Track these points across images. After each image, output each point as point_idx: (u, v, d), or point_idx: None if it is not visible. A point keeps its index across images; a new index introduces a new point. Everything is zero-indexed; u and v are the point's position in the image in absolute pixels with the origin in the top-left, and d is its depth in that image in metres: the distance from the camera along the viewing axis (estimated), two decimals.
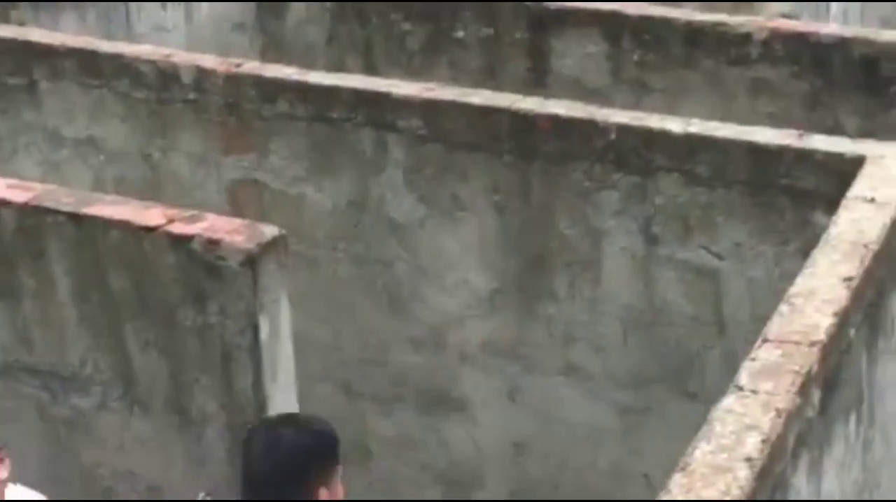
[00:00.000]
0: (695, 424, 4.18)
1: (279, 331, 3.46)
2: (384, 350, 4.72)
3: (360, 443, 4.84)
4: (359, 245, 4.64)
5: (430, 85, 4.55)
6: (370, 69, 5.73)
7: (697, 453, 2.50)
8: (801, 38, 5.02)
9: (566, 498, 4.56)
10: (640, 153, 4.11)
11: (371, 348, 4.75)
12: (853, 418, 3.18)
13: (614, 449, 4.46)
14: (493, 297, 4.49)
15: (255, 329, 3.38)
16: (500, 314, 4.50)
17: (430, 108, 4.37)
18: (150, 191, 4.76)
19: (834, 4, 6.65)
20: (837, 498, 3.08)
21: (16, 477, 3.45)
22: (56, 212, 3.56)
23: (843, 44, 4.91)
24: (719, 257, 4.08)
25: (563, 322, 4.39)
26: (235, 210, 4.66)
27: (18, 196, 3.64)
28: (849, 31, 5.24)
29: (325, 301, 4.72)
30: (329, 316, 4.74)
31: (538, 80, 5.50)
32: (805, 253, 3.49)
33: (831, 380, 2.94)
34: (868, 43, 4.93)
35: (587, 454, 4.50)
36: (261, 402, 3.46)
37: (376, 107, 4.43)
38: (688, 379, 4.25)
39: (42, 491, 3.87)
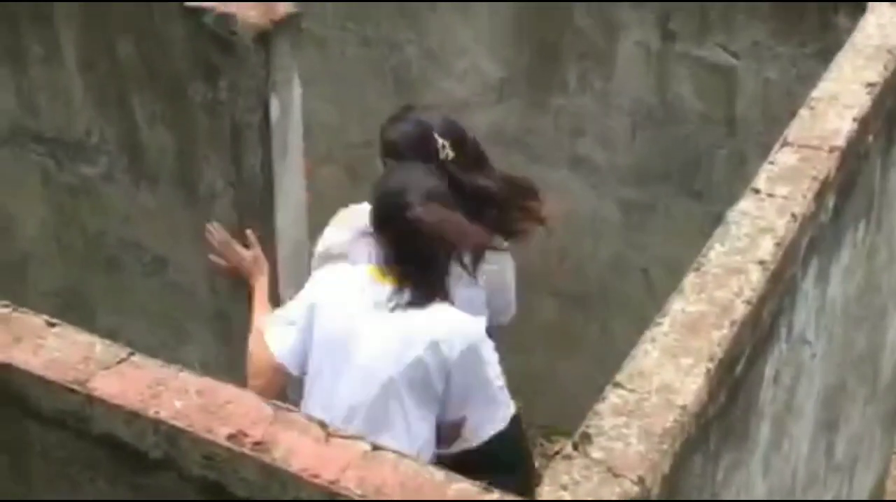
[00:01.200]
0: (698, 223, 4.22)
1: (290, 110, 3.41)
2: None
3: None
4: (368, 25, 4.55)
5: None
6: None
7: (711, 254, 2.50)
8: None
9: (565, 288, 4.61)
10: None
11: (376, 131, 4.70)
12: (862, 224, 3.19)
13: (615, 243, 4.48)
14: (502, 86, 4.43)
15: (266, 107, 3.34)
16: (507, 103, 4.45)
17: None
18: None
19: None
20: (839, 301, 3.11)
21: None
22: None
23: None
24: (735, 56, 4.01)
25: (572, 114, 4.35)
26: None
27: None
28: None
29: (332, 81, 4.66)
30: (335, 96, 4.69)
31: None
32: (824, 56, 3.44)
33: (847, 187, 2.93)
34: None
35: (588, 245, 4.52)
36: (268, 180, 3.44)
37: None
38: (694, 178, 4.24)
39: (45, 256, 3.90)
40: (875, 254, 3.39)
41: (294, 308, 3.19)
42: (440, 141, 3.38)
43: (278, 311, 3.27)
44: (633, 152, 4.32)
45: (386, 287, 3.09)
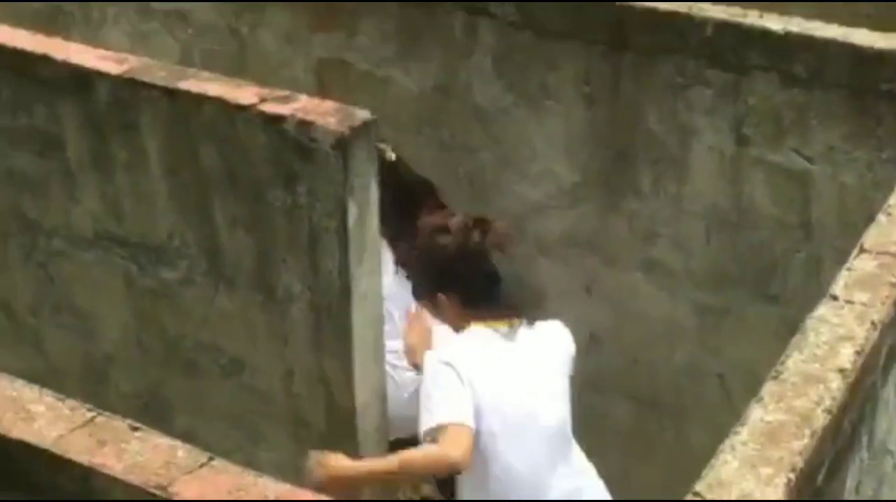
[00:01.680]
0: (774, 327, 4.20)
1: (367, 214, 3.47)
2: None
3: None
4: (443, 130, 4.62)
5: None
6: None
7: (790, 362, 2.48)
8: None
9: (639, 392, 4.59)
10: (736, 50, 4.03)
11: None
12: None
13: (690, 348, 4.46)
14: (576, 189, 4.47)
15: (344, 212, 3.39)
16: (581, 206, 4.48)
17: None
18: (236, 67, 4.76)
19: None
20: None
21: None
22: (151, 85, 3.57)
23: None
24: (810, 160, 4.02)
25: (646, 217, 4.37)
26: (321, 89, 4.64)
27: (113, 67, 3.65)
28: None
29: None
30: None
31: None
32: None
33: None
34: None
35: (662, 350, 4.51)
36: (345, 284, 3.49)
37: None
38: (769, 283, 4.22)
39: (127, 358, 3.97)
40: None
41: (449, 383, 3.43)
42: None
43: (432, 392, 3.44)
44: (708, 256, 4.31)
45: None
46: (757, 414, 2.34)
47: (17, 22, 4.91)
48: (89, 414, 2.33)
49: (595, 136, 4.36)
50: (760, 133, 4.08)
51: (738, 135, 4.12)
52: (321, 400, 3.57)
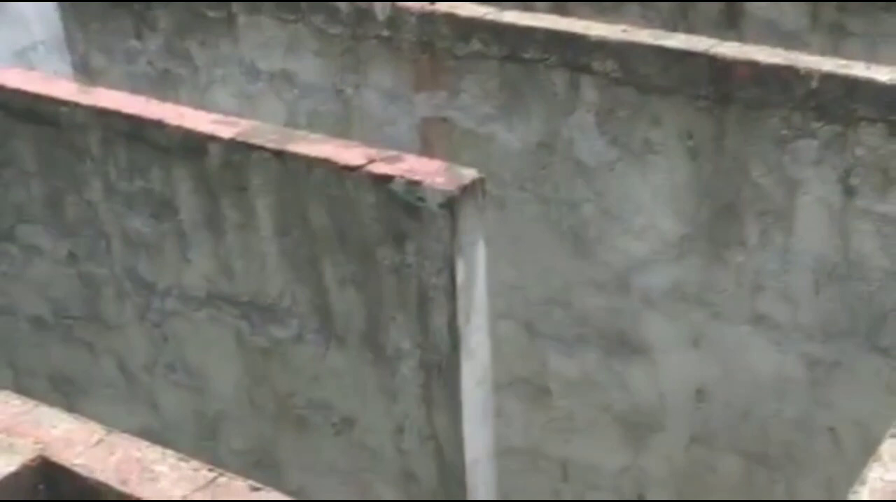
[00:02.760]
0: (885, 380, 4.14)
1: (475, 273, 3.50)
2: (568, 291, 4.74)
3: (540, 383, 4.89)
4: (547, 186, 4.65)
5: (625, 27, 4.50)
6: (559, 8, 5.69)
7: None
8: None
9: (748, 447, 4.54)
10: (842, 102, 4.01)
11: (555, 289, 4.77)
12: None
13: (800, 401, 4.41)
14: (682, 243, 4.46)
15: (452, 270, 3.43)
16: (687, 260, 4.47)
17: (624, 51, 4.33)
18: (341, 126, 4.85)
19: None
20: None
21: None
22: (261, 148, 3.65)
23: None
24: None
25: (753, 270, 4.34)
26: (425, 147, 4.71)
27: (225, 131, 3.74)
28: None
29: (511, 240, 4.75)
30: (514, 255, 4.77)
31: (731, 22, 5.40)
32: None
33: None
34: None
35: (772, 404, 4.46)
36: (454, 342, 3.52)
37: (570, 48, 4.41)
38: (880, 335, 4.17)
39: (239, 415, 4.03)
40: None
41: None
42: None
43: None
44: (817, 308, 4.27)
45: None
46: (876, 474, 2.31)
47: (129, 84, 5.07)
48: (210, 475, 2.38)
49: (700, 189, 4.35)
50: (868, 184, 4.04)
51: (845, 187, 4.09)
52: (431, 457, 3.60)
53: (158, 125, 3.80)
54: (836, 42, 5.12)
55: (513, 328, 4.85)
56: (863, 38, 5.07)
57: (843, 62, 4.13)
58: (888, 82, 3.93)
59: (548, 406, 4.89)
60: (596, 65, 4.37)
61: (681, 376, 4.61)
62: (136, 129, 3.84)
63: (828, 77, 4.03)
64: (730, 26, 5.35)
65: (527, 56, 4.50)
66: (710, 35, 4.57)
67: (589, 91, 4.42)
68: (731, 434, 4.55)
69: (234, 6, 5.02)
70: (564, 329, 4.79)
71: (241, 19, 5.03)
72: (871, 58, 4.66)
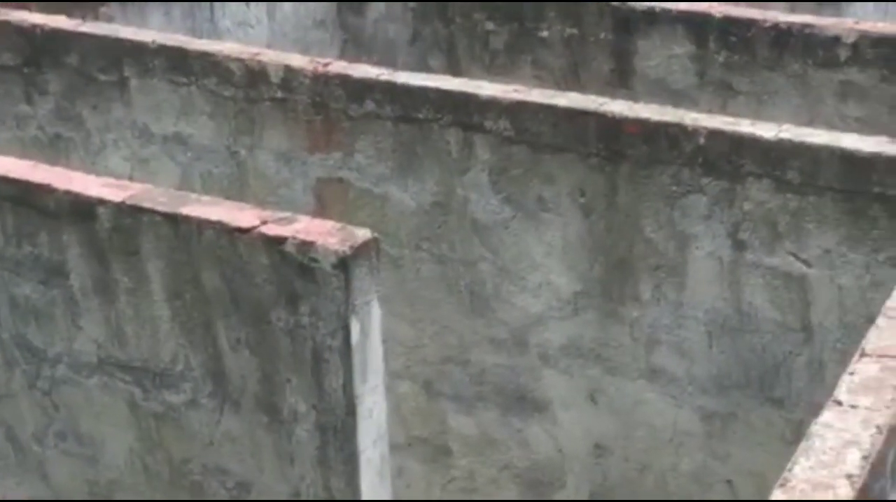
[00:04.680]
0: (780, 431, 4.20)
1: (370, 333, 3.48)
2: (466, 349, 4.74)
3: (440, 442, 4.87)
4: (442, 245, 4.66)
5: (517, 86, 4.55)
6: (453, 68, 5.75)
7: (797, 469, 2.48)
8: (891, 42, 4.96)
9: (647, 500, 4.57)
10: (729, 158, 4.09)
11: (452, 347, 4.78)
12: None
13: (697, 454, 4.45)
14: (576, 299, 4.49)
15: (347, 331, 3.41)
16: (582, 316, 4.50)
17: (516, 110, 4.38)
18: (236, 188, 4.82)
19: None
20: None
21: None
22: (152, 211, 3.61)
23: None
24: (807, 264, 4.06)
25: (647, 325, 4.39)
26: (320, 208, 4.70)
27: (115, 195, 3.69)
28: None
29: (408, 300, 4.75)
30: (411, 314, 4.77)
31: (622, 81, 5.49)
32: None
33: None
34: None
35: (669, 457, 4.49)
36: (350, 403, 3.49)
37: (463, 108, 4.45)
38: (773, 386, 4.23)
39: (132, 483, 3.95)
40: None
41: None
42: None
43: None
44: (711, 361, 4.33)
45: None
46: None
47: (20, 150, 5.00)
48: None
49: (593, 246, 4.40)
50: (757, 238, 4.12)
51: (734, 241, 4.16)
52: None
53: (46, 189, 3.74)
54: (724, 100, 5.23)
55: (411, 388, 4.84)
56: (748, 95, 5.19)
57: (730, 119, 4.23)
58: (772, 138, 4.02)
59: (448, 465, 4.87)
60: (488, 124, 4.41)
61: (579, 432, 4.63)
62: (23, 194, 3.77)
63: (715, 133, 4.11)
64: (620, 85, 5.44)
65: (420, 116, 4.52)
66: (602, 94, 4.64)
67: (482, 150, 4.45)
68: (629, 488, 4.57)
69: (126, 69, 4.98)
70: (463, 387, 4.79)
71: (133, 83, 4.99)
72: (757, 115, 4.77)
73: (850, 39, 5.00)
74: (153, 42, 4.94)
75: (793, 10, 5.49)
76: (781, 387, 4.21)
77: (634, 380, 4.47)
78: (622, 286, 4.40)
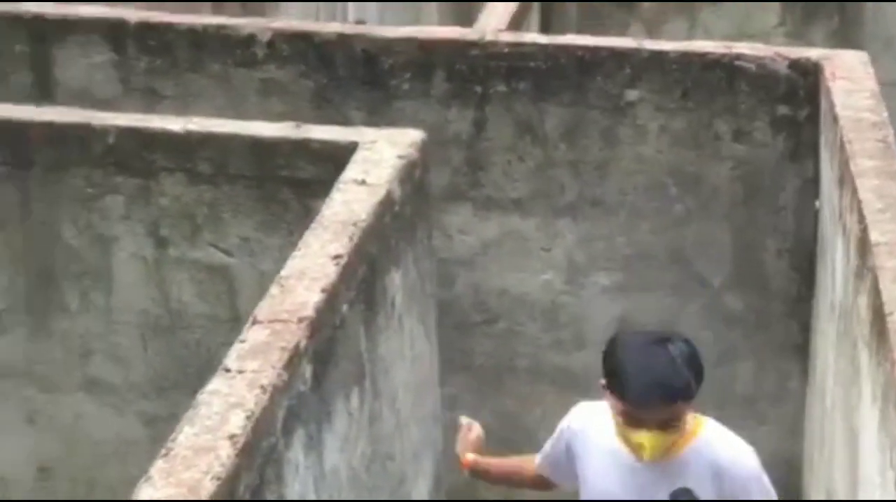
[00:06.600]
0: None
1: None
2: None
3: None
4: None
5: None
6: None
7: (181, 436, 2.45)
8: (305, 38, 5.08)
9: None
10: (141, 155, 4.04)
11: None
12: (355, 392, 3.24)
13: (144, 461, 4.33)
14: (2, 317, 4.27)
15: None
16: (10, 334, 4.28)
17: None
18: None
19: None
20: (344, 470, 3.12)
21: None
22: None
23: (344, 41, 5.01)
24: (229, 253, 4.07)
25: (79, 336, 4.24)
26: None
27: None
28: (350, 28, 5.38)
29: None
30: None
31: (45, 94, 5.27)
32: None
33: (324, 356, 2.98)
34: (369, 39, 5.06)
35: (116, 470, 4.35)
36: None
37: None
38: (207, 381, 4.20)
39: None
40: (377, 420, 3.45)
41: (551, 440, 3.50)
42: None
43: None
44: (148, 364, 4.25)
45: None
46: (146, 494, 2.28)
47: None
48: None
49: (12, 260, 4.20)
50: (178, 233, 4.09)
51: (156, 239, 4.11)
52: None
53: None
54: (151, 105, 5.15)
55: None
56: (174, 99, 5.13)
57: (140, 116, 4.18)
58: (181, 131, 4.01)
59: None
60: None
61: (21, 456, 4.40)
62: None
63: (124, 131, 4.05)
64: (44, 97, 5.22)
65: None
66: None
67: None
68: None
69: None
70: None
71: None
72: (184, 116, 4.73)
73: (266, 37, 5.06)
74: None
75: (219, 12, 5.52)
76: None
77: (72, 394, 4.30)
78: (48, 298, 4.22)
